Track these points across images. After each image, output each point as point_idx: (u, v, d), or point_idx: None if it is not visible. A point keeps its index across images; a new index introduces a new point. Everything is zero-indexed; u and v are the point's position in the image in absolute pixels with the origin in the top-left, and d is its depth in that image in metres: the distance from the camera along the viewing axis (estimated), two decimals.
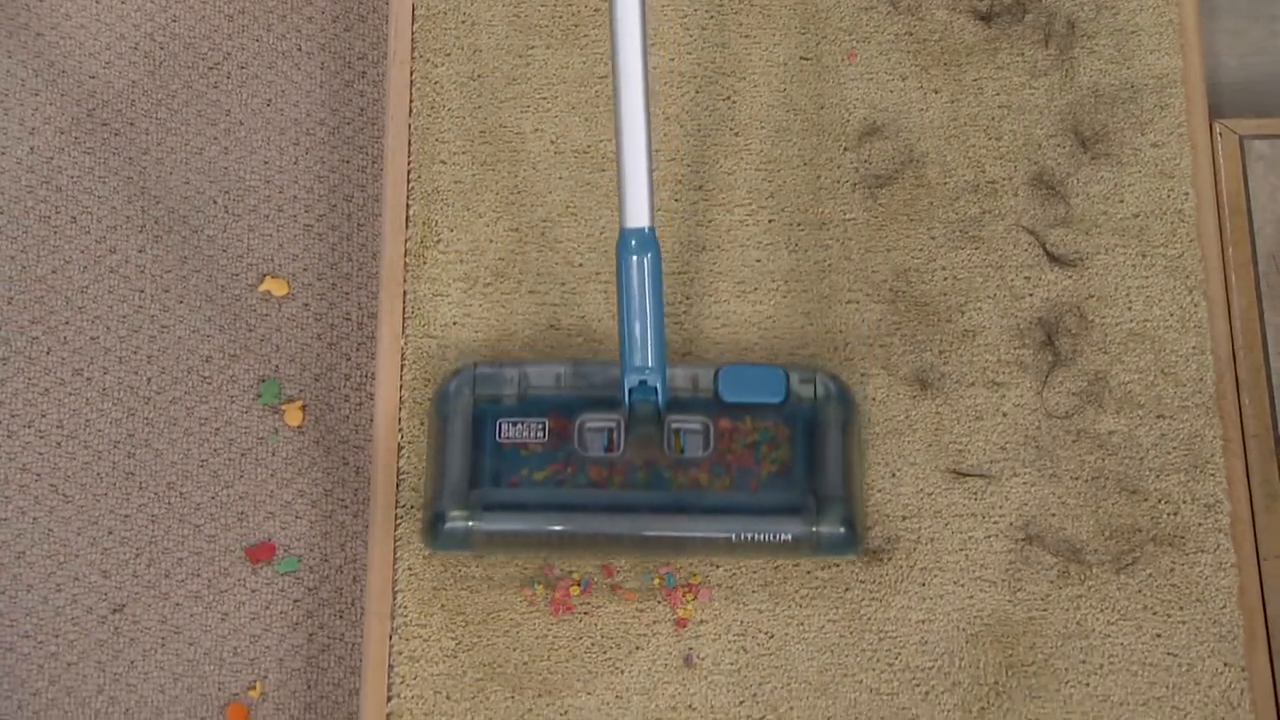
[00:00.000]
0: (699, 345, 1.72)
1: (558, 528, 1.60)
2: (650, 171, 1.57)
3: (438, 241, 1.76)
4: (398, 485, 1.68)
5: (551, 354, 1.72)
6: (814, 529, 1.58)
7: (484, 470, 1.61)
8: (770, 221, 1.76)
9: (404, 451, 1.69)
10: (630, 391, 1.59)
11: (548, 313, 1.73)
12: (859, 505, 1.62)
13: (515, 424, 1.62)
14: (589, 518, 1.60)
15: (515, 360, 1.68)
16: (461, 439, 1.62)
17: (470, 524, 1.59)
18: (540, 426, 1.62)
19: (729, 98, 1.82)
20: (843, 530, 1.59)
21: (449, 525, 1.60)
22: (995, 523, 1.66)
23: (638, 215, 1.57)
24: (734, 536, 1.58)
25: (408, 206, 1.77)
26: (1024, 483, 1.67)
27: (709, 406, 1.63)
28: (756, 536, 1.58)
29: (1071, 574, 1.65)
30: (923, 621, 1.64)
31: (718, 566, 1.64)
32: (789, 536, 1.58)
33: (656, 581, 1.64)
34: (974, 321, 1.72)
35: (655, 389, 1.59)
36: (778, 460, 1.61)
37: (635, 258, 1.57)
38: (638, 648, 1.63)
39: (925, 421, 1.69)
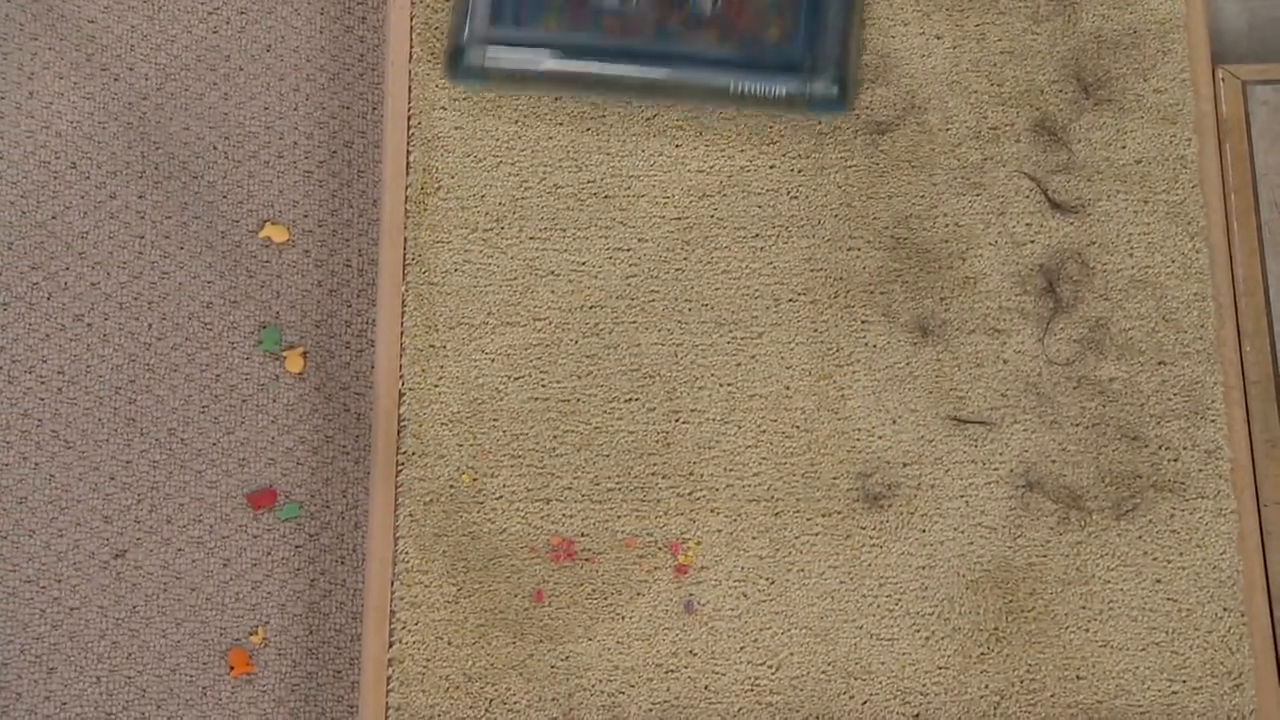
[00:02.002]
0: (694, 307, 1.72)
1: (570, 67, 1.72)
2: None
3: (438, 188, 1.75)
4: (399, 432, 1.68)
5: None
6: (808, 87, 1.71)
7: (505, 13, 1.73)
8: (771, 168, 1.75)
9: (405, 398, 1.69)
10: None
11: None
12: (853, 69, 1.73)
13: None
14: (600, 60, 1.72)
15: None
16: None
17: (487, 58, 1.72)
18: None
19: None
20: (835, 89, 1.71)
21: (468, 59, 1.73)
22: (996, 469, 1.66)
23: None
24: (732, 86, 1.71)
25: (408, 153, 1.77)
26: (1024, 429, 1.67)
27: None
28: (753, 88, 1.71)
29: (1072, 520, 1.65)
30: (923, 568, 1.64)
31: (717, 513, 1.65)
32: (783, 91, 1.71)
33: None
34: (975, 268, 1.72)
35: None
36: (783, 29, 1.71)
37: None
38: (639, 594, 1.63)
39: (926, 369, 1.69)
